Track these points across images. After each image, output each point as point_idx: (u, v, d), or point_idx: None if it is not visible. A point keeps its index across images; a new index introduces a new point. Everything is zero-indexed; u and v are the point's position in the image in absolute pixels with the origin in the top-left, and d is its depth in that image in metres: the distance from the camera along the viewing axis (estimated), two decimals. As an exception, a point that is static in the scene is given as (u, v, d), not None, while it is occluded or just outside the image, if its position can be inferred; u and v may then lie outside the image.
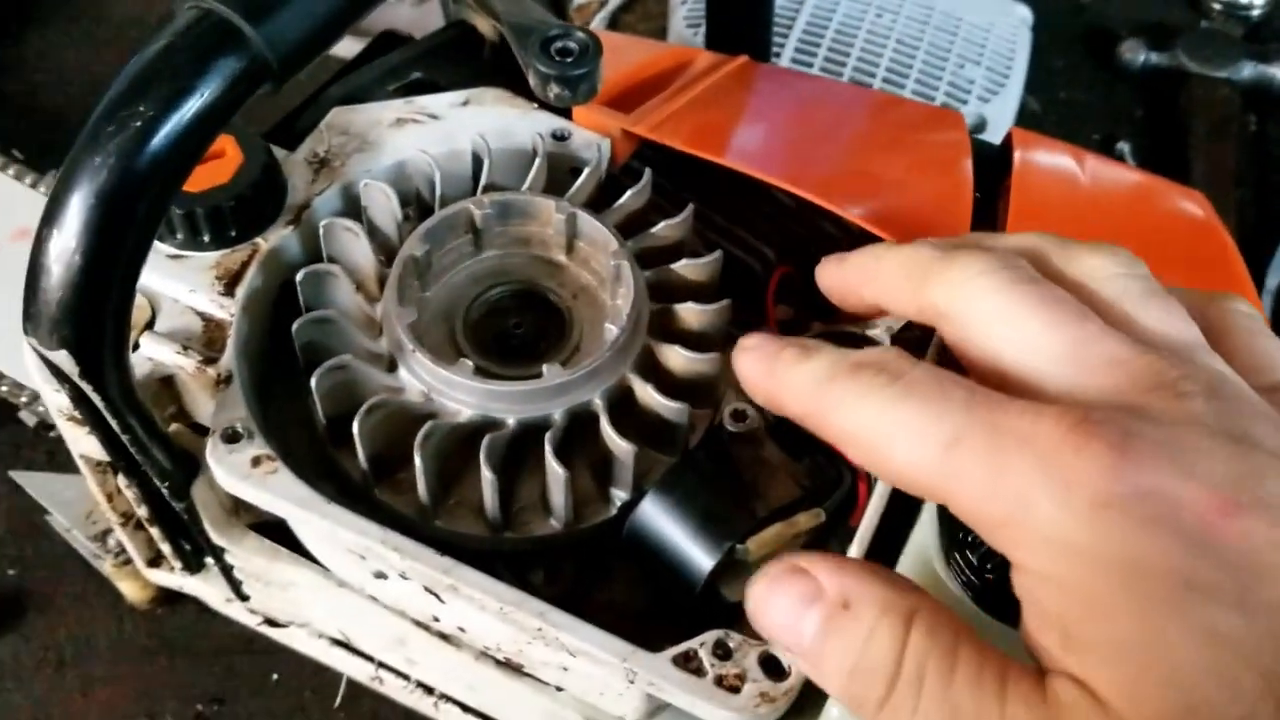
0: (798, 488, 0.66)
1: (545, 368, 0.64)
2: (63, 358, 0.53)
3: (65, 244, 0.51)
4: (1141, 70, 1.32)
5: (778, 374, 0.48)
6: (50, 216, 0.51)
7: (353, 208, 0.73)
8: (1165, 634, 0.37)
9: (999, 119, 1.18)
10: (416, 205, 0.75)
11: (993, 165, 0.80)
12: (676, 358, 0.65)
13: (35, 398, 0.98)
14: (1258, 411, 0.42)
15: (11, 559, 0.96)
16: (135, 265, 0.53)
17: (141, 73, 0.51)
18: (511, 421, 0.63)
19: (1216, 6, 1.42)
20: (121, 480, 0.71)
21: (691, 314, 0.67)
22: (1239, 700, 0.36)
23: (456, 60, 0.87)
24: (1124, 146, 1.26)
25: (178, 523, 0.73)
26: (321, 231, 0.68)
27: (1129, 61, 1.33)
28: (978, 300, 0.46)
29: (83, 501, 0.88)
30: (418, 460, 0.60)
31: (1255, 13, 1.41)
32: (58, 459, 1.01)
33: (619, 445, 0.62)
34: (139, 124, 0.50)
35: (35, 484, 0.91)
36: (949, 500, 0.42)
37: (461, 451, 0.64)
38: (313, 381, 0.62)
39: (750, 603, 0.46)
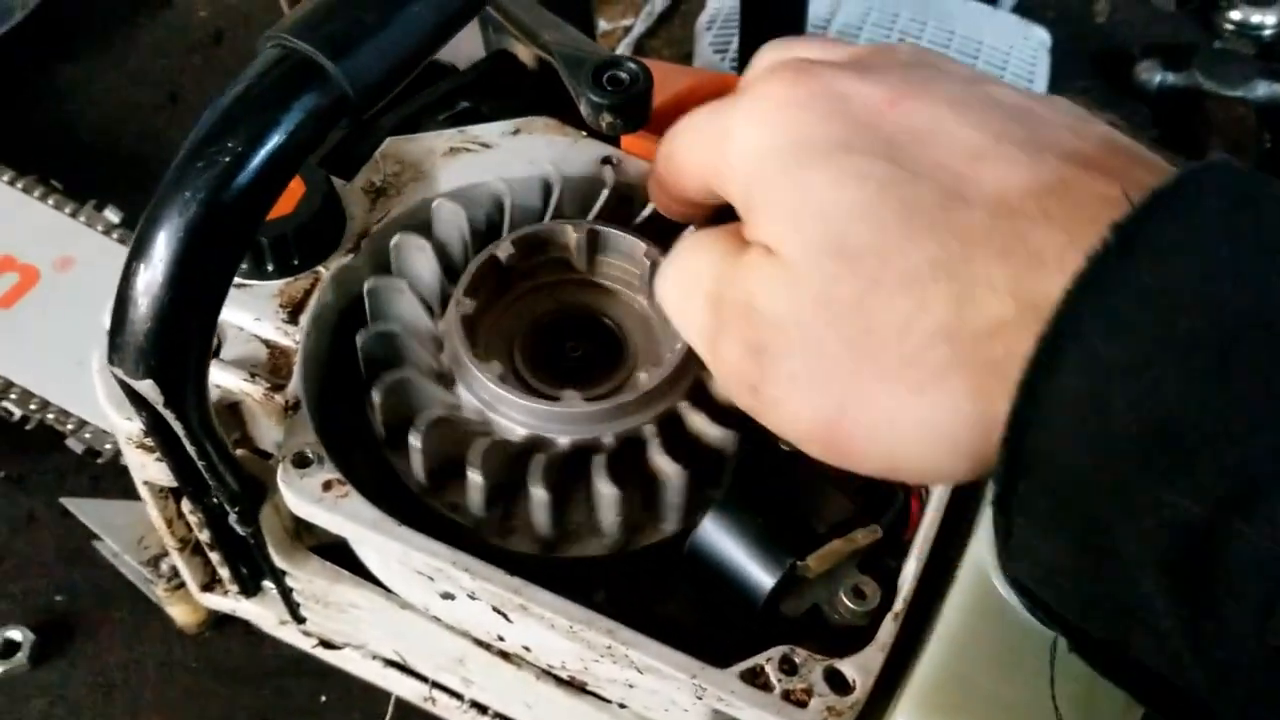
0: (851, 504, 0.67)
1: (598, 393, 0.65)
2: (148, 387, 0.54)
3: (153, 277, 0.52)
4: (1158, 90, 1.35)
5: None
6: (138, 250, 0.52)
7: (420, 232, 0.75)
8: (814, 184, 0.42)
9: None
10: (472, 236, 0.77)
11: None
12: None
13: (82, 425, 0.99)
14: (953, 61, 0.48)
15: (59, 586, 0.98)
16: (219, 296, 0.54)
17: (228, 110, 0.52)
18: (564, 442, 0.65)
19: (1229, 26, 1.44)
20: (185, 506, 0.72)
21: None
22: (880, 234, 0.41)
23: (501, 89, 0.89)
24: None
25: (240, 547, 0.74)
26: (393, 246, 0.70)
27: (1145, 82, 1.35)
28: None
29: (135, 527, 0.89)
30: (471, 475, 0.62)
31: (1267, 32, 1.44)
32: (103, 485, 1.02)
33: (668, 468, 0.63)
34: (227, 159, 0.51)
35: (87, 510, 0.92)
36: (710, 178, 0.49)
37: (514, 469, 0.65)
38: (374, 392, 0.64)
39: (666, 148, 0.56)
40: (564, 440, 0.65)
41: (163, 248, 0.52)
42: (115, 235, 1.11)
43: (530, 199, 0.77)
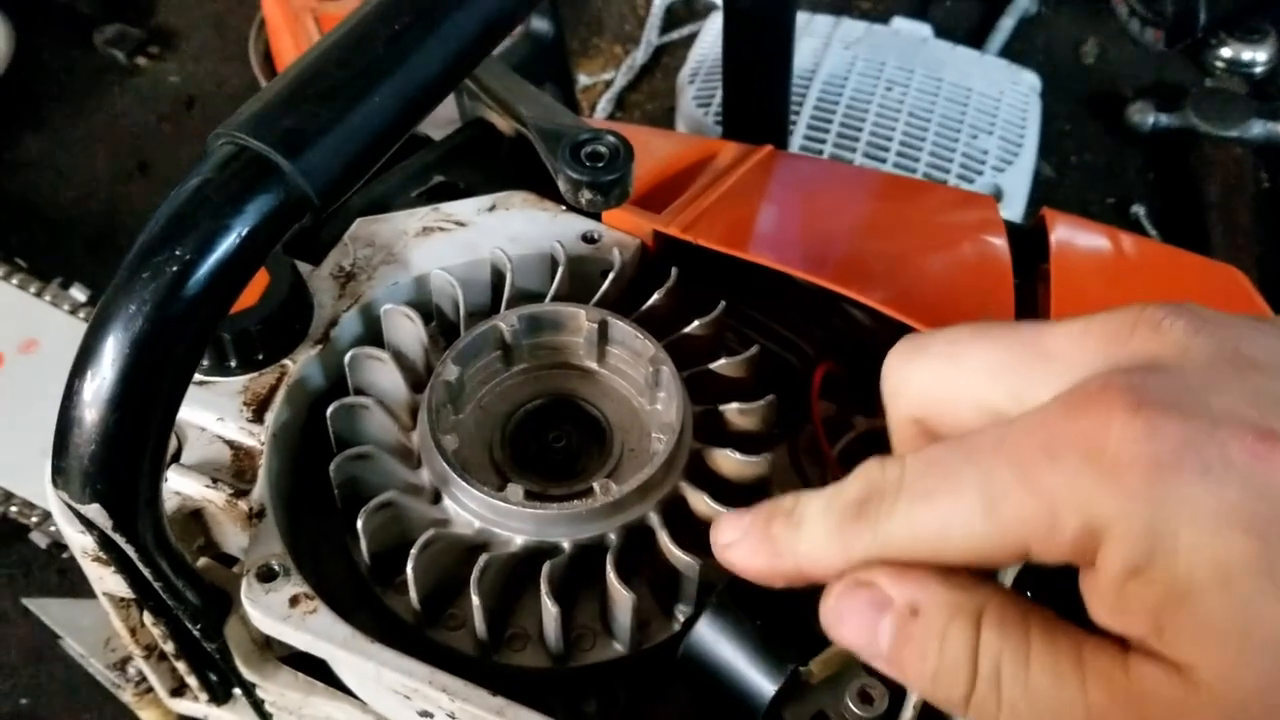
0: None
1: (595, 485, 0.61)
2: (95, 511, 0.51)
3: (98, 395, 0.48)
4: (1152, 131, 1.32)
5: (784, 554, 0.46)
6: (81, 367, 0.48)
7: (375, 328, 0.71)
8: (1259, 610, 0.36)
9: (1015, 188, 1.17)
10: (439, 322, 0.73)
11: (1027, 246, 0.78)
12: (728, 461, 0.63)
13: (46, 517, 0.95)
14: (1237, 322, 0.40)
15: (25, 687, 0.93)
16: (171, 414, 0.50)
17: (175, 213, 0.48)
18: (567, 545, 0.61)
19: (1219, 64, 1.42)
20: (147, 617, 0.68)
21: (737, 414, 0.65)
22: None
23: (477, 161, 0.86)
24: (1139, 209, 1.25)
25: (206, 657, 0.70)
26: (348, 363, 0.66)
27: (1138, 123, 1.33)
28: (915, 377, 0.46)
29: (100, 629, 0.85)
30: (474, 598, 0.58)
31: (1259, 69, 1.42)
32: (70, 578, 0.98)
33: (683, 560, 0.59)
34: (174, 269, 0.47)
35: (50, 611, 0.88)
36: (1028, 554, 0.40)
37: (516, 580, 0.62)
38: (359, 521, 0.60)
39: (824, 619, 0.45)
40: (566, 544, 0.61)
41: (107, 365, 0.48)
42: (82, 314, 1.07)
43: (488, 279, 0.74)
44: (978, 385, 0.44)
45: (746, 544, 0.47)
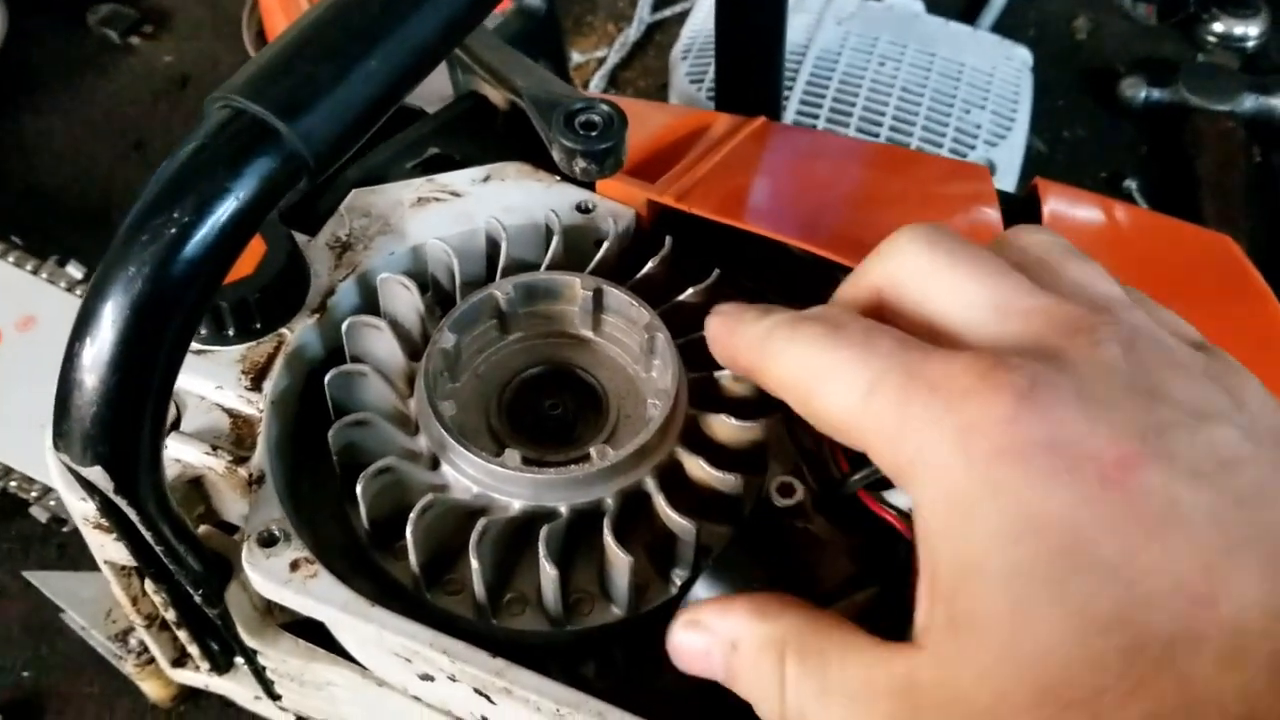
0: (851, 564, 0.64)
1: (592, 450, 0.62)
2: (97, 474, 0.51)
3: (98, 358, 0.48)
4: (1144, 106, 1.33)
5: (736, 330, 0.51)
6: (81, 331, 0.49)
7: (371, 298, 0.71)
8: (1036, 614, 0.38)
9: (1008, 162, 1.17)
10: (434, 292, 0.73)
11: (1020, 216, 0.79)
12: (724, 427, 0.64)
13: (46, 492, 0.95)
14: (1175, 362, 0.43)
15: (27, 660, 0.94)
16: (170, 377, 0.51)
17: (174, 177, 0.49)
18: (564, 509, 0.61)
19: (1211, 39, 1.43)
20: (149, 585, 0.68)
21: (732, 380, 0.66)
22: (1099, 676, 0.37)
23: (471, 133, 0.86)
24: (1131, 184, 1.26)
25: (207, 625, 0.70)
26: (345, 331, 0.66)
27: (1130, 98, 1.33)
28: (910, 258, 0.48)
29: (101, 600, 0.85)
30: (473, 561, 0.58)
31: (1250, 44, 1.42)
32: (69, 553, 0.99)
33: (679, 524, 0.60)
34: (173, 231, 0.48)
35: (51, 583, 0.88)
36: (865, 447, 0.44)
37: (514, 544, 0.62)
38: (359, 486, 0.60)
39: (670, 653, 0.51)
40: (563, 508, 0.61)
41: (107, 328, 0.48)
42: (78, 292, 1.07)
43: (482, 250, 0.74)
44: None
45: (724, 317, 0.53)
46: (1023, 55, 1.30)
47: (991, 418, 0.40)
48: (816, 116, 1.17)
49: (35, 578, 0.90)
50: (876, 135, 1.15)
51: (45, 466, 0.95)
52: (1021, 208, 0.79)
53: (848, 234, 0.73)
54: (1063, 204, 0.78)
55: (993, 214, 0.75)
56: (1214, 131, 1.26)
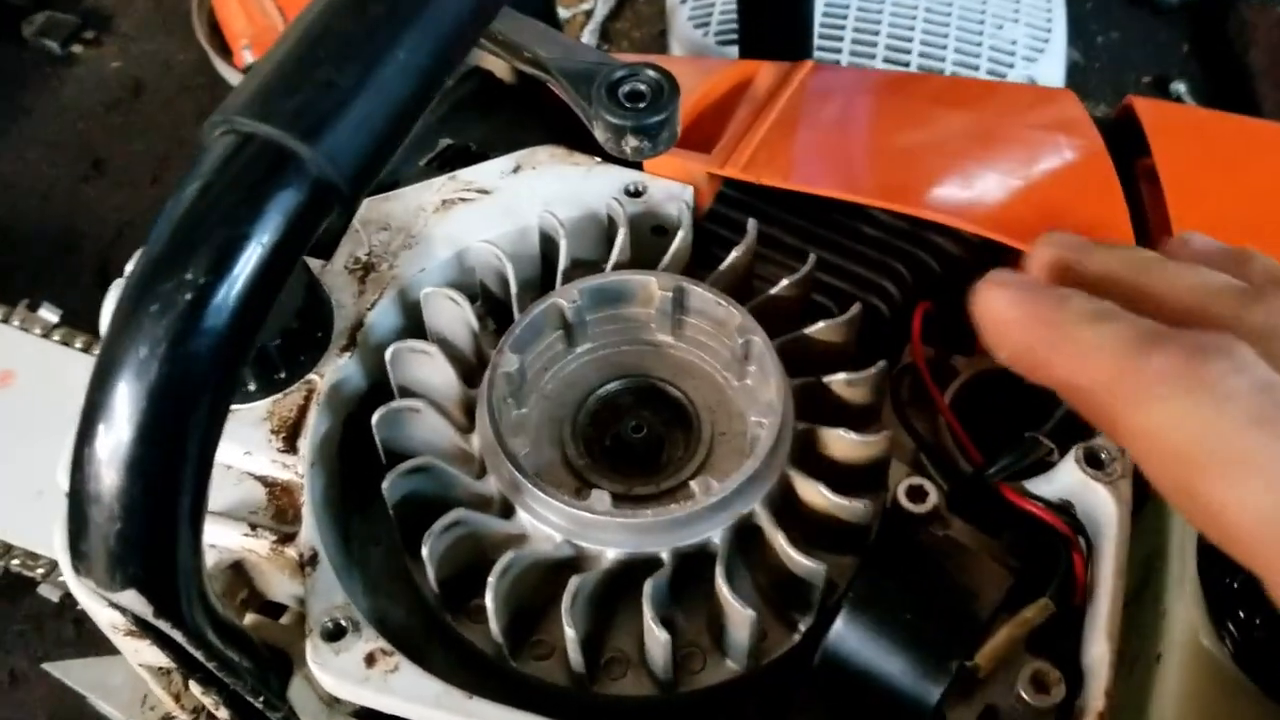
0: (1007, 571, 0.55)
1: (693, 484, 0.53)
2: (130, 598, 0.42)
3: (116, 462, 0.39)
4: (1181, 2, 1.23)
5: (1061, 328, 0.39)
6: (89, 429, 0.39)
7: (413, 318, 0.62)
8: None
9: (1050, 77, 1.08)
10: (484, 301, 0.64)
11: (1116, 141, 0.70)
12: (842, 443, 0.54)
13: (54, 567, 0.86)
14: None
15: (56, 753, 0.85)
16: (205, 471, 0.41)
17: (180, 227, 0.39)
18: (666, 556, 0.52)
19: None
20: (195, 687, 0.59)
21: (845, 386, 0.56)
22: None
23: (482, 116, 0.76)
24: (1180, 86, 1.16)
25: (264, 718, 0.61)
26: (389, 360, 0.57)
27: (1166, -5, 1.24)
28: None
29: (135, 686, 0.76)
30: (568, 629, 0.49)
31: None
32: (89, 628, 0.89)
33: (805, 566, 0.51)
34: (189, 296, 0.38)
35: (74, 674, 0.79)
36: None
37: (610, 598, 0.53)
38: (425, 548, 0.51)
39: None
40: (665, 554, 0.53)
41: (122, 424, 0.39)
42: (56, 337, 0.97)
43: (529, 252, 0.65)
44: None
45: (1020, 294, 0.41)
46: (1049, -45, 1.20)
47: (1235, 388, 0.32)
48: (839, 51, 1.07)
49: (57, 669, 0.80)
50: (906, 63, 1.05)
51: (48, 538, 0.87)
52: (1118, 131, 0.70)
53: (935, 187, 0.64)
54: (1163, 121, 0.69)
55: (1093, 142, 0.66)
56: (1263, 21, 1.17)
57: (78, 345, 1.04)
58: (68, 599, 0.86)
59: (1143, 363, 0.36)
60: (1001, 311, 0.41)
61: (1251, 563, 0.34)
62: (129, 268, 0.40)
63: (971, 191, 0.64)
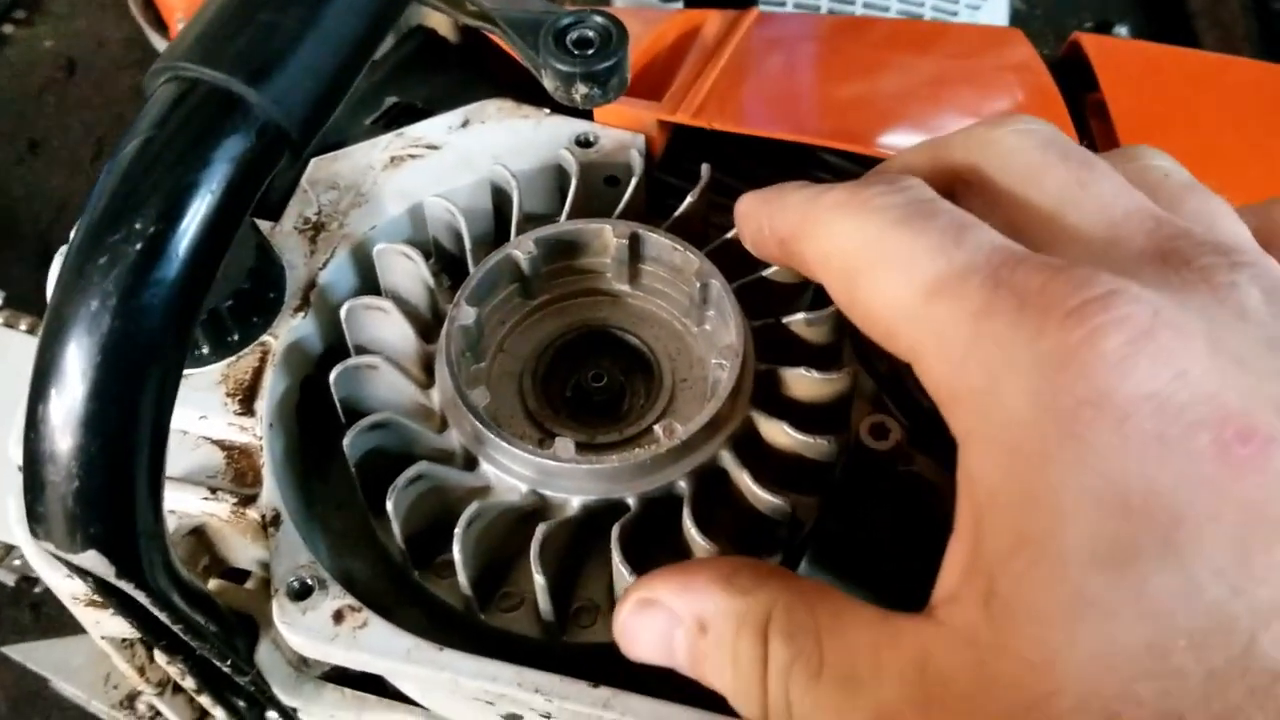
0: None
1: (657, 428, 0.53)
2: (92, 559, 0.41)
3: (70, 420, 0.38)
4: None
5: (774, 199, 0.44)
6: (41, 388, 0.38)
7: (368, 276, 0.61)
8: (1111, 610, 0.30)
9: (993, 23, 1.08)
10: (437, 257, 0.63)
11: (1065, 79, 0.70)
12: (803, 382, 0.54)
13: (9, 551, 0.84)
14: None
15: (20, 738, 0.84)
16: (163, 427, 0.40)
17: (125, 177, 0.38)
18: (632, 501, 0.52)
19: None
20: (160, 656, 0.58)
21: (805, 326, 0.56)
22: (1173, 698, 0.29)
23: (428, 73, 0.75)
24: (1122, 30, 1.17)
25: (235, 688, 0.61)
26: (344, 318, 0.56)
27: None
28: (1014, 148, 0.40)
29: (97, 665, 0.75)
30: (537, 576, 0.49)
31: None
32: (48, 611, 0.88)
33: (770, 502, 0.51)
34: (138, 247, 0.37)
35: (36, 656, 0.78)
36: (914, 357, 0.37)
37: (578, 546, 0.53)
38: (389, 502, 0.50)
39: (618, 638, 0.43)
40: (631, 499, 0.52)
41: (75, 381, 0.38)
42: (1, 319, 0.95)
43: (481, 206, 0.64)
44: None
45: (764, 190, 0.45)
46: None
47: (1095, 354, 0.31)
48: (784, 1, 1.06)
49: (17, 652, 0.79)
50: (852, 9, 1.05)
51: (6, 523, 0.85)
52: (1065, 68, 0.70)
53: (890, 127, 0.64)
54: (1110, 57, 0.69)
55: (1044, 79, 0.66)
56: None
57: (22, 327, 1.02)
58: (24, 584, 0.85)
59: (818, 201, 0.40)
60: (743, 206, 0.46)
61: (896, 348, 0.37)
62: (79, 221, 0.39)
63: (923, 131, 0.64)
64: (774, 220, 0.44)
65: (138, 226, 0.37)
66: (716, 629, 0.39)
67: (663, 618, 0.41)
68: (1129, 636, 0.30)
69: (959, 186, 0.42)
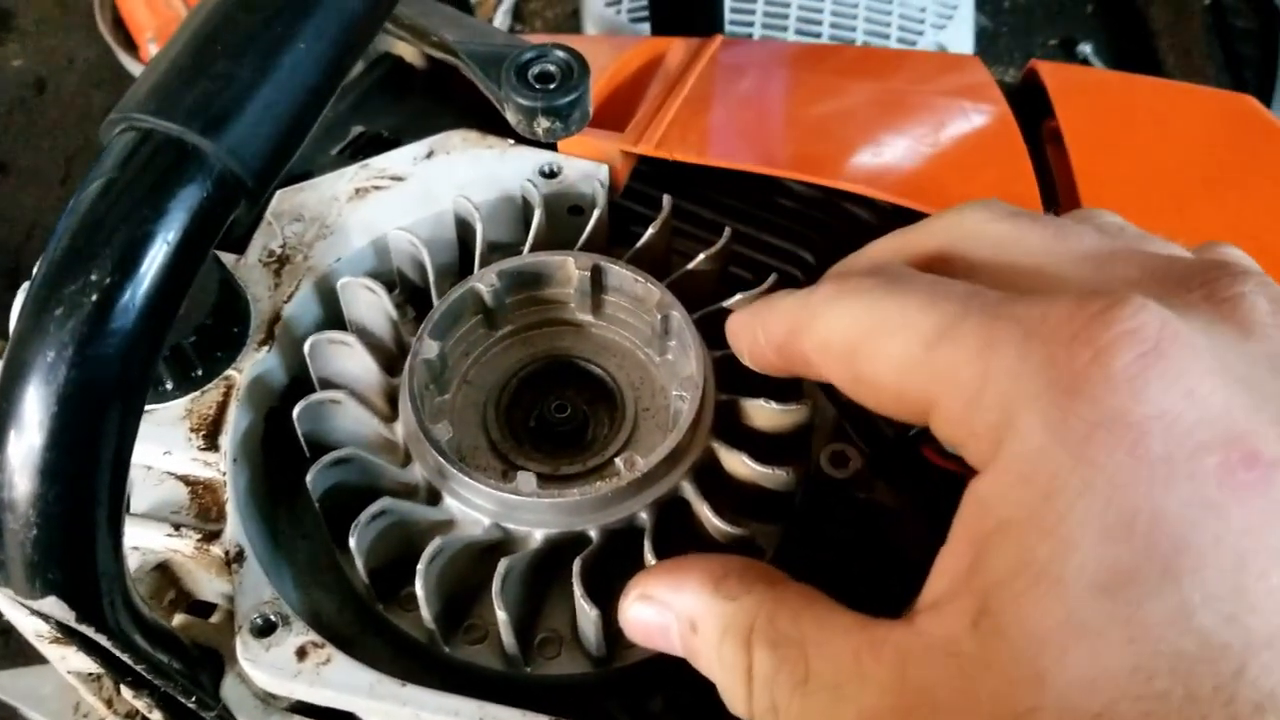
0: (930, 533, 0.56)
1: (618, 460, 0.53)
2: (52, 605, 0.41)
3: (28, 468, 0.38)
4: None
5: (762, 309, 0.45)
6: (1, 435, 0.39)
7: (332, 309, 0.61)
8: (1101, 633, 0.31)
9: (959, 44, 1.09)
10: (402, 289, 0.64)
11: (1023, 105, 0.71)
12: (763, 412, 0.55)
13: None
14: None
15: (-10, 768, 0.83)
16: (122, 472, 0.41)
17: (81, 227, 0.38)
18: (594, 533, 0.53)
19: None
20: (126, 691, 0.58)
21: (765, 356, 0.57)
22: (1146, 704, 0.30)
23: (393, 103, 0.75)
24: (1085, 48, 1.19)
25: (198, 718, 0.61)
26: (308, 352, 0.56)
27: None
28: (983, 220, 0.42)
29: (66, 694, 0.75)
30: (499, 609, 0.50)
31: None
32: (17, 638, 0.87)
33: (729, 533, 0.52)
34: (94, 298, 0.38)
35: (4, 684, 0.78)
36: (929, 406, 0.37)
37: (540, 579, 0.54)
38: (352, 538, 0.51)
39: (624, 628, 0.46)
40: (593, 531, 0.53)
41: (32, 430, 0.38)
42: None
43: (445, 236, 0.65)
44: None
45: (751, 304, 0.47)
46: (949, -75, 1.21)
47: (1105, 376, 0.32)
48: (750, 25, 1.07)
49: (-17, 682, 0.79)
50: (818, 35, 1.06)
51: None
52: (1023, 95, 0.71)
53: (848, 157, 0.65)
54: (1067, 84, 0.70)
55: (999, 107, 0.67)
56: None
57: (-9, 351, 1.01)
58: (-9, 608, 0.84)
59: (809, 299, 0.42)
60: (734, 324, 0.48)
61: (909, 407, 0.38)
62: (36, 269, 0.40)
63: (883, 160, 0.65)
64: (768, 327, 0.45)
65: (93, 278, 0.38)
66: (704, 630, 0.41)
67: (659, 612, 0.44)
68: (1115, 659, 0.30)
69: (936, 266, 0.43)
